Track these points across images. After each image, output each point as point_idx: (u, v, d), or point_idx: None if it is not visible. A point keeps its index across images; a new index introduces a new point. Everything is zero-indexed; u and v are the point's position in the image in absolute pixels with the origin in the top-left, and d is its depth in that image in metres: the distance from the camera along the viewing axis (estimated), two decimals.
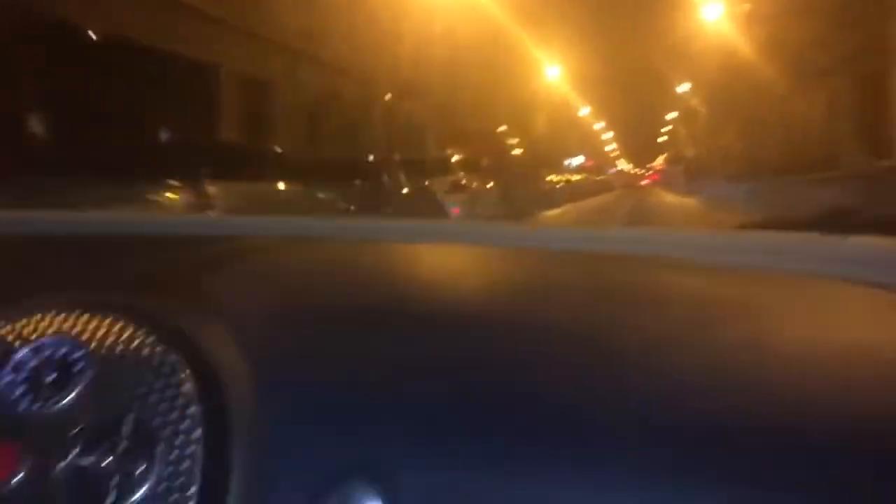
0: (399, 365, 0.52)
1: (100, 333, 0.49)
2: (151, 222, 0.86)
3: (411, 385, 0.50)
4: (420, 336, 0.55)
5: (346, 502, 0.45)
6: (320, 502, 0.45)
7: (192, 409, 0.47)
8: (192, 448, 0.46)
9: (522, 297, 0.64)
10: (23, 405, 0.48)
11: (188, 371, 0.48)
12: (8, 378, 0.49)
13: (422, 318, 0.58)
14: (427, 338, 0.55)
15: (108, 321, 0.50)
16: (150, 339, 0.49)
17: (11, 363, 0.49)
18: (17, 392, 0.48)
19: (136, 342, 0.49)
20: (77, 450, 0.46)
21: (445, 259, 0.82)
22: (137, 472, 0.45)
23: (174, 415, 0.46)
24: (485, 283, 0.71)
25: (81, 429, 0.46)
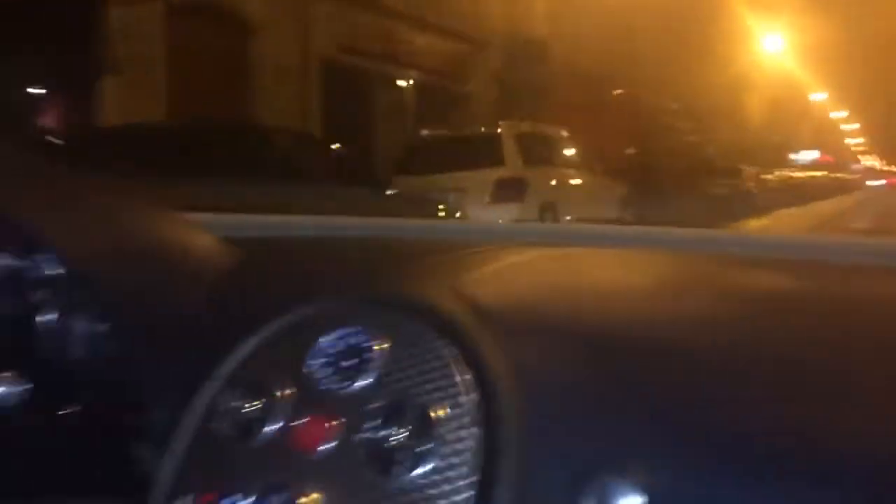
0: (655, 371, 0.60)
1: (388, 326, 0.63)
2: (399, 227, 1.02)
3: (668, 389, 0.58)
4: (671, 342, 0.63)
5: (604, 494, 0.54)
6: (579, 492, 0.54)
7: (468, 399, 0.58)
8: (468, 433, 0.57)
9: (767, 310, 0.69)
10: (327, 384, 0.63)
11: (464, 364, 0.59)
12: (314, 360, 0.64)
13: (670, 326, 0.66)
14: (677, 343, 0.63)
15: (395, 316, 0.63)
16: (431, 334, 0.61)
17: (317, 348, 0.64)
18: (323, 373, 0.63)
19: (418, 336, 0.62)
20: (372, 426, 0.59)
21: (666, 267, 0.89)
22: (421, 449, 0.58)
23: (452, 402, 0.58)
24: (719, 294, 0.76)
25: (375, 408, 0.60)
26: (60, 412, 0.72)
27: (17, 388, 0.69)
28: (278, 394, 0.63)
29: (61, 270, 0.76)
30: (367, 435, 0.59)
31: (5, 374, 0.68)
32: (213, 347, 0.70)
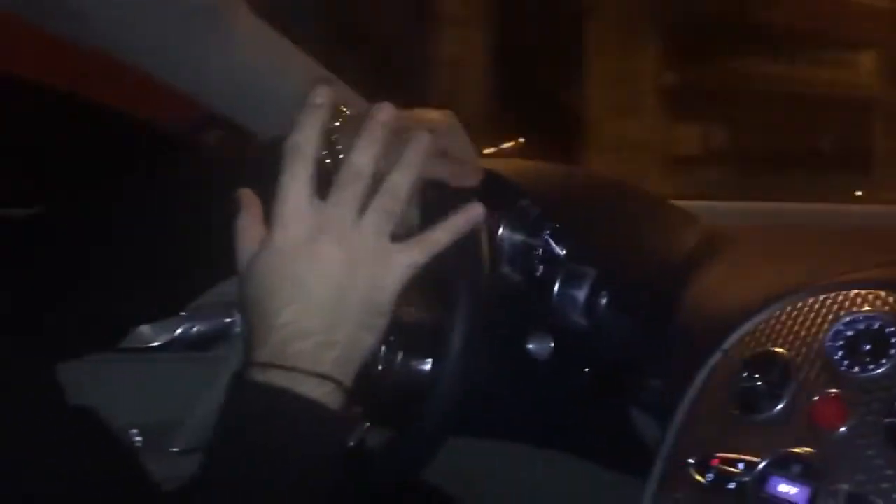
0: None
1: None
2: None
3: None
4: None
5: None
6: None
7: None
8: None
9: None
10: (844, 366, 0.70)
11: None
12: (830, 343, 0.72)
13: None
14: None
15: None
16: None
17: (833, 331, 0.72)
18: (839, 354, 0.71)
19: None
20: None
21: None
22: None
23: None
24: None
25: None
26: (571, 372, 0.92)
27: (545, 345, 0.89)
28: (789, 370, 0.72)
29: (562, 250, 0.96)
30: (893, 420, 0.65)
31: (537, 333, 0.90)
32: (705, 322, 0.82)
